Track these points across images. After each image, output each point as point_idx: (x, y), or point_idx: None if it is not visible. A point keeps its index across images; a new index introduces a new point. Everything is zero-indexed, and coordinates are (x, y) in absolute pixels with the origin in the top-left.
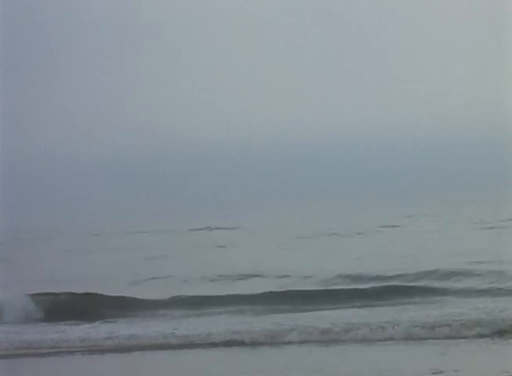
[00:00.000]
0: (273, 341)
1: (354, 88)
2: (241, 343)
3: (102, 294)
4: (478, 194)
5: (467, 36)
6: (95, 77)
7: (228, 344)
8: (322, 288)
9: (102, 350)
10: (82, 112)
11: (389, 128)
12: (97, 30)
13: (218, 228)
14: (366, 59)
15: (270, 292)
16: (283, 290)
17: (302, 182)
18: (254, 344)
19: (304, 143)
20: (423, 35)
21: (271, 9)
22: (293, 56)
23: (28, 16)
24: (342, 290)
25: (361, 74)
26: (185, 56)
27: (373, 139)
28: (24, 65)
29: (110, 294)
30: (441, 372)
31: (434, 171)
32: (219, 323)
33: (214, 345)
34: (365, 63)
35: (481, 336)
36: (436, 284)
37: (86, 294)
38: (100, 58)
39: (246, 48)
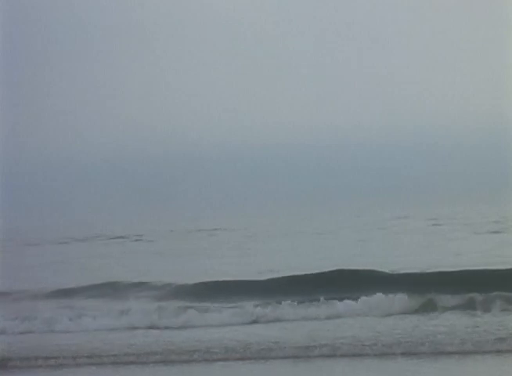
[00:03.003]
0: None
1: (354, 89)
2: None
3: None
4: (478, 194)
5: (467, 36)
6: (94, 77)
7: None
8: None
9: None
10: (82, 112)
11: (389, 128)
12: (96, 31)
13: (217, 229)
14: (367, 60)
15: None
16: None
17: (302, 182)
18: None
19: (304, 144)
20: (424, 36)
21: (271, 9)
22: (293, 57)
23: (28, 16)
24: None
25: (361, 75)
26: (184, 56)
27: (373, 140)
28: (24, 65)
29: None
30: None
31: (434, 172)
32: None
33: None
34: (365, 64)
35: None
36: None
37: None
38: (99, 58)
39: (246, 48)
